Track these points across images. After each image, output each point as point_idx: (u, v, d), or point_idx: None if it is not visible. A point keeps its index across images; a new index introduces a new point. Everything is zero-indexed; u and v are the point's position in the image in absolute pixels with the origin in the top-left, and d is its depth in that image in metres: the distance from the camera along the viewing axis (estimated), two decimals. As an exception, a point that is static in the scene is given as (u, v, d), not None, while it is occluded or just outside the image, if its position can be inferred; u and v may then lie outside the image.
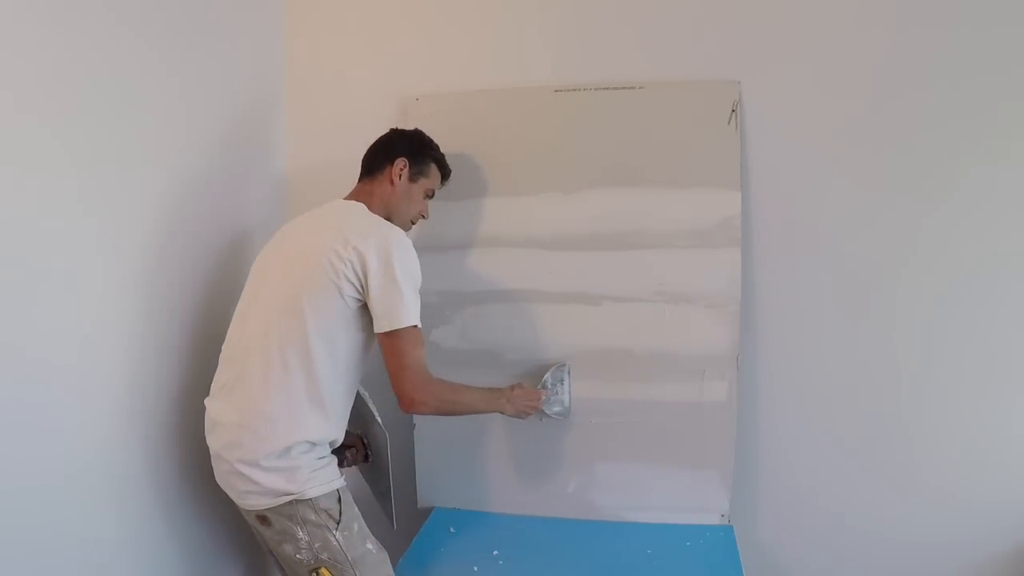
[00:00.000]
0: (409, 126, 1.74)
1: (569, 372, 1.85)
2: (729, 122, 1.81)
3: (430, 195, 1.71)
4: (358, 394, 1.65)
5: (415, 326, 1.45)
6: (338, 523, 1.44)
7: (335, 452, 1.64)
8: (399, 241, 1.47)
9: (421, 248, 1.91)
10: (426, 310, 1.93)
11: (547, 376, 1.83)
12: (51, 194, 1.29)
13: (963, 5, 1.72)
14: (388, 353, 1.45)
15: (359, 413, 1.67)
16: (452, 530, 1.87)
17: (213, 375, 1.55)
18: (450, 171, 1.76)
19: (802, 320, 1.87)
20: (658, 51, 1.87)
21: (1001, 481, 1.81)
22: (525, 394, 1.73)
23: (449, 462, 1.97)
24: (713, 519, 1.84)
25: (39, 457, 1.28)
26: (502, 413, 1.70)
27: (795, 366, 1.88)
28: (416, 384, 1.46)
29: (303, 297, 1.42)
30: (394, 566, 1.68)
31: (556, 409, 1.83)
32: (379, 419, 1.65)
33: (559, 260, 1.88)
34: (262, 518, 1.45)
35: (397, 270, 1.42)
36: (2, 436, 1.20)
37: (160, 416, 1.59)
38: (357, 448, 1.71)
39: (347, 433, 1.69)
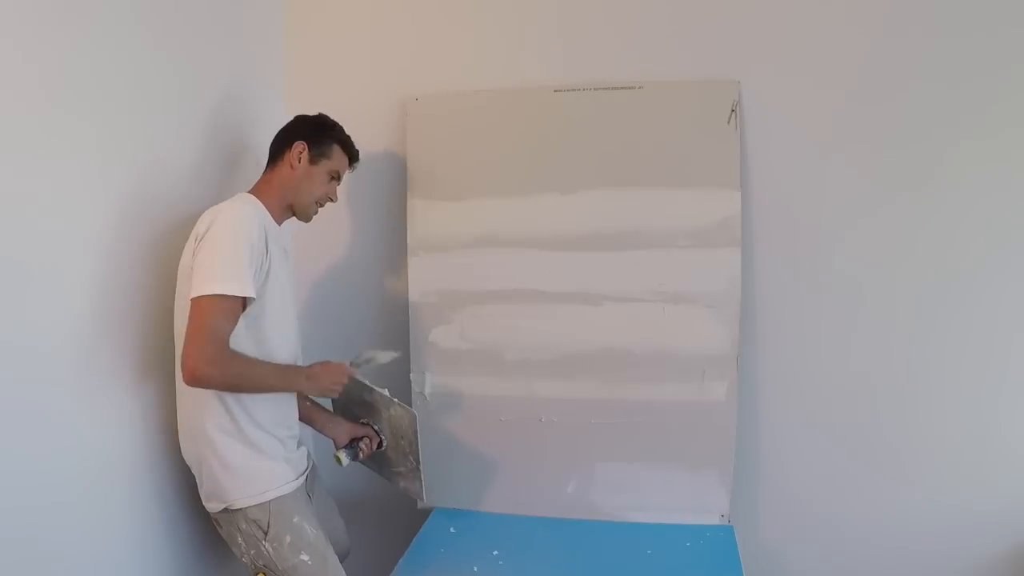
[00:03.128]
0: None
1: (375, 358, 1.68)
2: (729, 122, 1.81)
3: (336, 177, 1.66)
4: (363, 385, 1.66)
5: (220, 295, 1.35)
6: (266, 534, 1.47)
7: (348, 447, 1.70)
8: (232, 214, 1.43)
9: (421, 248, 1.94)
10: (426, 310, 1.95)
11: (362, 351, 1.67)
12: (50, 193, 1.29)
13: (963, 4, 1.72)
14: (189, 324, 1.36)
15: (365, 403, 1.70)
16: (452, 530, 1.87)
17: None
18: (357, 152, 1.69)
19: (802, 320, 1.86)
20: (658, 51, 1.87)
21: (1000, 482, 1.81)
22: (327, 369, 1.56)
23: (449, 462, 1.97)
24: (713, 519, 1.84)
25: (38, 457, 1.28)
26: (304, 392, 1.61)
27: (795, 366, 1.88)
28: (205, 354, 1.34)
29: (178, 303, 1.45)
30: (394, 566, 1.69)
31: (370, 367, 1.65)
32: (398, 400, 1.67)
33: (559, 260, 1.88)
34: (216, 520, 1.52)
35: (217, 238, 1.38)
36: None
37: (159, 417, 1.59)
38: (371, 437, 1.73)
39: (357, 426, 1.74)
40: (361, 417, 1.76)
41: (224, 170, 1.81)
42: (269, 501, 1.48)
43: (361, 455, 1.71)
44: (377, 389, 1.67)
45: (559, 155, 1.88)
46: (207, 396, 1.43)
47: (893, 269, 1.81)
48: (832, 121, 1.81)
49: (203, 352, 1.34)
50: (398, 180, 2.00)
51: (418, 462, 1.70)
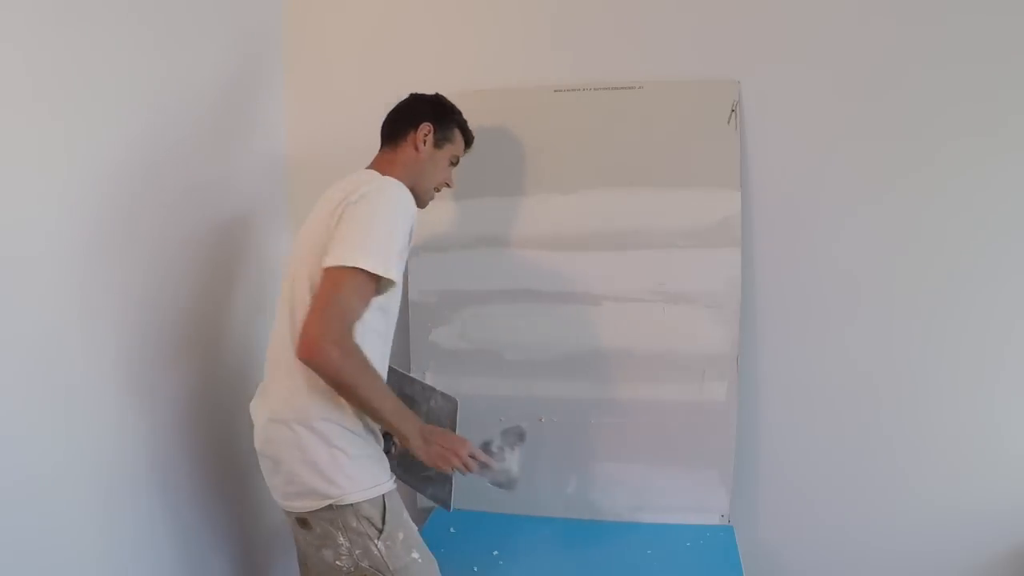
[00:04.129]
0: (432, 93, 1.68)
1: (522, 437, 1.51)
2: (729, 122, 1.81)
3: (455, 162, 1.61)
4: (402, 375, 1.60)
5: (360, 270, 1.24)
6: (380, 532, 1.34)
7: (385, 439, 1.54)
8: (395, 189, 1.33)
9: (422, 248, 1.94)
10: (426, 310, 1.95)
11: (495, 436, 1.50)
12: (50, 193, 1.29)
13: (965, 3, 1.72)
14: (319, 291, 1.25)
15: (405, 396, 1.54)
16: (452, 530, 1.87)
17: (211, 367, 1.54)
18: (473, 137, 1.64)
19: (802, 320, 1.86)
20: (658, 51, 1.87)
21: (1001, 481, 1.81)
22: (447, 438, 1.40)
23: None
24: (713, 519, 1.84)
25: (36, 456, 1.28)
26: (406, 446, 1.38)
27: (795, 366, 1.88)
28: (331, 330, 1.22)
29: (315, 278, 1.29)
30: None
31: (500, 479, 1.47)
32: (439, 389, 1.55)
33: (559, 260, 1.88)
34: (302, 521, 1.36)
35: (374, 209, 1.29)
36: None
37: (159, 414, 1.59)
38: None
39: None
40: None
41: (223, 167, 1.81)
42: (383, 495, 1.36)
43: (394, 450, 1.54)
44: (418, 379, 1.62)
45: (559, 155, 1.88)
46: (320, 383, 1.27)
47: (893, 269, 1.81)
48: (832, 121, 1.81)
49: (329, 327, 1.22)
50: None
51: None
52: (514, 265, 1.90)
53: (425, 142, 1.51)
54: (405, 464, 1.59)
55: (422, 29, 1.99)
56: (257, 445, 1.40)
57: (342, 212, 1.29)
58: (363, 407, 1.32)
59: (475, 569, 1.67)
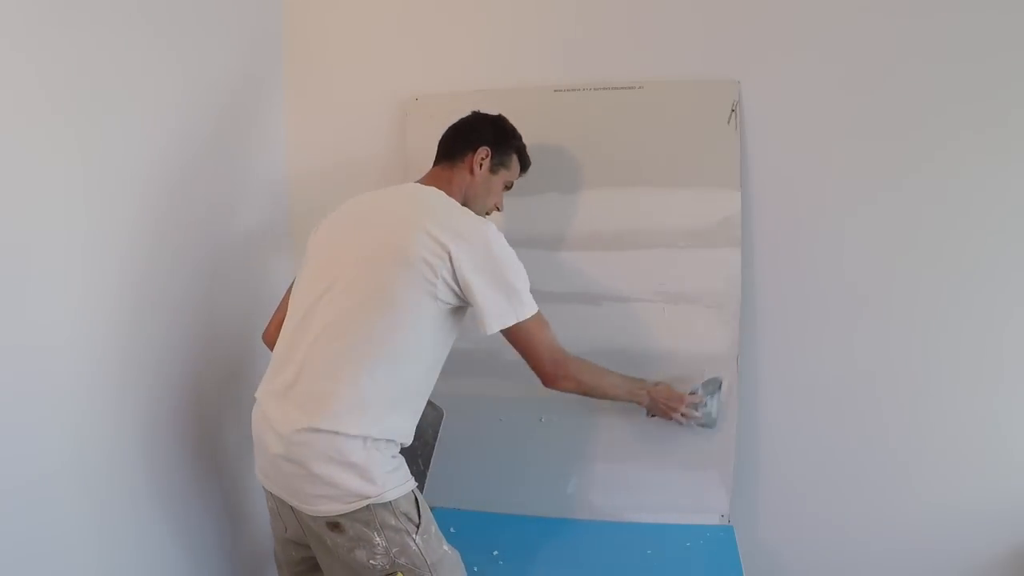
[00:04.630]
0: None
1: (720, 386, 1.80)
2: (729, 122, 1.81)
3: (508, 187, 1.63)
4: None
5: (535, 313, 1.40)
6: (418, 527, 1.34)
7: None
8: (495, 235, 1.38)
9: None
10: (426, 310, 1.95)
11: (699, 385, 1.78)
12: (49, 192, 1.29)
13: (964, 3, 1.72)
14: (516, 343, 1.43)
15: None
16: (452, 530, 1.86)
17: (210, 373, 1.53)
18: (530, 162, 1.68)
19: (802, 320, 1.86)
20: (658, 51, 1.87)
21: (1001, 481, 1.81)
22: (668, 393, 1.70)
23: (449, 462, 1.97)
24: (713, 519, 1.84)
25: (34, 457, 1.28)
26: (639, 404, 1.69)
27: (795, 366, 1.88)
28: (555, 362, 1.45)
29: (392, 295, 1.31)
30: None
31: (701, 420, 1.76)
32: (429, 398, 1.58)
33: (559, 260, 1.88)
34: (334, 524, 1.31)
35: (500, 267, 1.35)
36: None
37: (160, 415, 1.59)
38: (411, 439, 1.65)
39: None
40: None
41: (223, 170, 1.82)
42: (414, 490, 1.38)
43: None
44: None
45: (559, 155, 1.88)
46: (382, 396, 1.32)
47: (894, 269, 1.81)
48: (832, 121, 1.80)
49: (554, 361, 1.44)
50: (398, 180, 2.00)
51: (427, 466, 1.62)
52: (514, 265, 1.90)
53: (481, 166, 1.54)
54: None
55: (422, 29, 1.99)
56: (278, 450, 1.32)
57: (464, 271, 1.32)
58: (602, 398, 1.62)
59: (475, 569, 1.67)
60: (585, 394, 1.55)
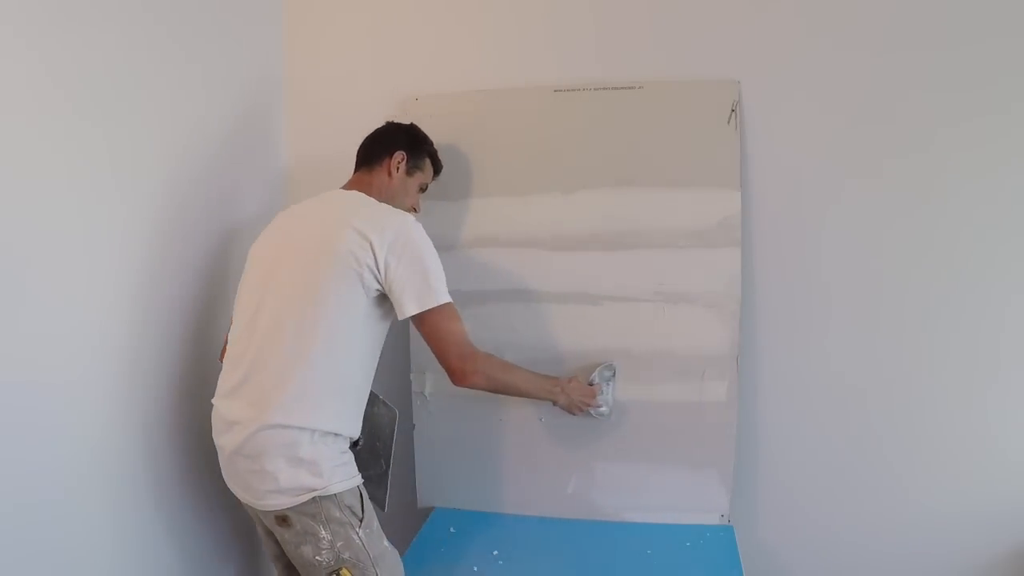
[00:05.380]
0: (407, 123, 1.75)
1: (615, 373, 1.84)
2: (729, 122, 1.81)
3: (423, 189, 1.73)
4: None
5: (448, 303, 1.45)
6: (361, 520, 1.42)
7: None
8: (413, 224, 1.47)
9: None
10: (426, 310, 1.95)
11: (595, 374, 1.80)
12: (49, 193, 1.29)
13: (964, 9, 1.72)
14: (428, 334, 1.47)
15: None
16: (452, 530, 1.87)
17: (212, 374, 1.54)
18: (442, 166, 1.78)
19: (802, 320, 1.86)
20: (658, 51, 1.87)
21: (1000, 481, 1.81)
22: (580, 389, 1.73)
23: (449, 462, 1.97)
24: (713, 519, 1.84)
25: (35, 458, 1.28)
26: (553, 403, 1.71)
27: (795, 366, 1.88)
28: (463, 356, 1.47)
29: (324, 287, 1.40)
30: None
31: (602, 409, 1.80)
32: (383, 399, 1.65)
33: (559, 260, 1.88)
34: (282, 519, 1.40)
35: (418, 252, 1.44)
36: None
37: (159, 415, 1.59)
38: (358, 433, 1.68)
39: None
40: None
41: (224, 170, 1.82)
42: (359, 485, 1.46)
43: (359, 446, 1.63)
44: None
45: (559, 155, 1.88)
46: (324, 389, 1.41)
47: (893, 268, 1.81)
48: (832, 121, 1.81)
49: (462, 360, 1.47)
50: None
51: (388, 466, 1.66)
52: (514, 265, 1.90)
53: (398, 169, 1.65)
54: None
55: (422, 30, 1.99)
56: (232, 447, 1.42)
57: (384, 258, 1.40)
58: (515, 396, 1.66)
59: (475, 569, 1.67)
60: (496, 391, 1.58)
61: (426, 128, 1.76)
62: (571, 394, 1.70)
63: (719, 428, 1.83)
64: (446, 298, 1.45)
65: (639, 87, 1.86)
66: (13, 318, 1.22)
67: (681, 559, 1.70)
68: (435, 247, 1.90)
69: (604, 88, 1.87)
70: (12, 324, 1.22)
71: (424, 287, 1.43)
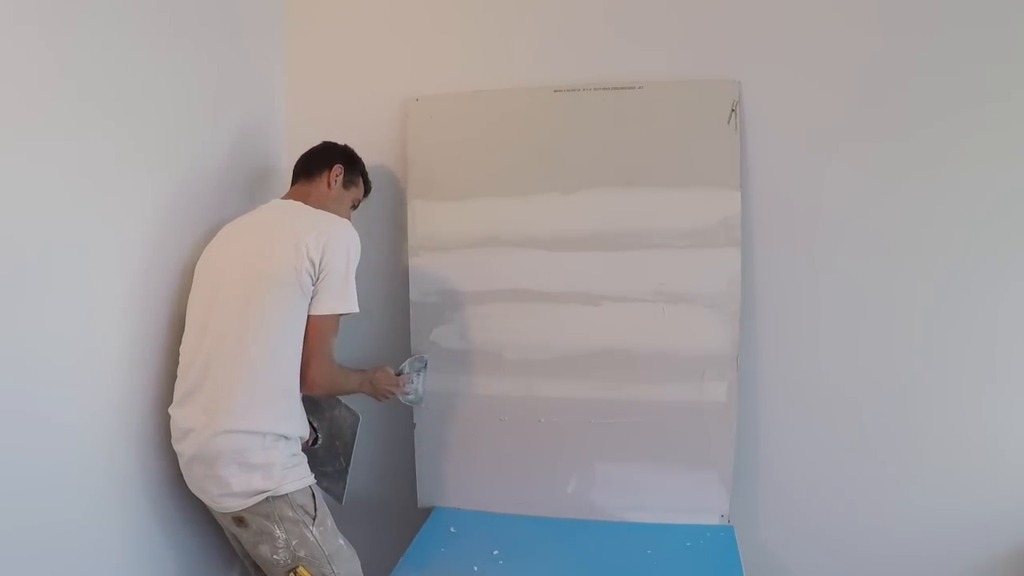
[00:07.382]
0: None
1: (426, 365, 1.93)
2: (729, 122, 1.81)
3: (355, 205, 1.80)
4: None
5: (343, 314, 1.53)
6: (314, 519, 1.49)
7: None
8: (349, 229, 1.56)
9: (422, 248, 1.94)
10: (426, 310, 1.95)
11: (405, 364, 1.87)
12: (49, 195, 1.29)
13: (963, 3, 1.72)
14: (314, 335, 1.52)
15: (309, 399, 1.69)
16: (452, 530, 1.87)
17: None
18: (371, 187, 1.85)
19: (802, 320, 1.86)
20: (658, 51, 1.87)
21: (1001, 482, 1.81)
22: (385, 378, 1.80)
23: (449, 462, 1.97)
24: (713, 519, 1.84)
25: (35, 459, 1.28)
26: (366, 393, 1.77)
27: (795, 366, 1.88)
28: (323, 370, 1.54)
29: (268, 294, 1.48)
30: (394, 566, 1.69)
31: (409, 396, 1.87)
32: (345, 403, 1.76)
33: (559, 260, 1.88)
34: (239, 519, 1.48)
35: (345, 257, 1.52)
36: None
37: (159, 416, 1.59)
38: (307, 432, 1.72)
39: None
40: (308, 413, 1.72)
41: (223, 171, 1.81)
42: (311, 485, 1.54)
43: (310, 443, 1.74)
44: None
45: (559, 155, 1.88)
46: (272, 391, 1.49)
47: (893, 269, 1.81)
48: (832, 121, 1.81)
49: (323, 371, 1.53)
50: (398, 180, 2.01)
51: (347, 465, 1.77)
52: (514, 265, 1.90)
53: (336, 181, 1.73)
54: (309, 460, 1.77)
55: (422, 30, 1.99)
56: (190, 451, 1.48)
57: (322, 261, 1.49)
58: (342, 395, 1.73)
59: (475, 569, 1.67)
60: (329, 394, 1.70)
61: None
62: (376, 383, 1.76)
63: (719, 428, 1.83)
64: (355, 307, 1.54)
65: (639, 87, 1.86)
66: (13, 318, 1.22)
67: (681, 559, 1.70)
68: (435, 247, 1.94)
69: (604, 88, 1.87)
70: (12, 324, 1.22)
71: (343, 290, 1.51)
